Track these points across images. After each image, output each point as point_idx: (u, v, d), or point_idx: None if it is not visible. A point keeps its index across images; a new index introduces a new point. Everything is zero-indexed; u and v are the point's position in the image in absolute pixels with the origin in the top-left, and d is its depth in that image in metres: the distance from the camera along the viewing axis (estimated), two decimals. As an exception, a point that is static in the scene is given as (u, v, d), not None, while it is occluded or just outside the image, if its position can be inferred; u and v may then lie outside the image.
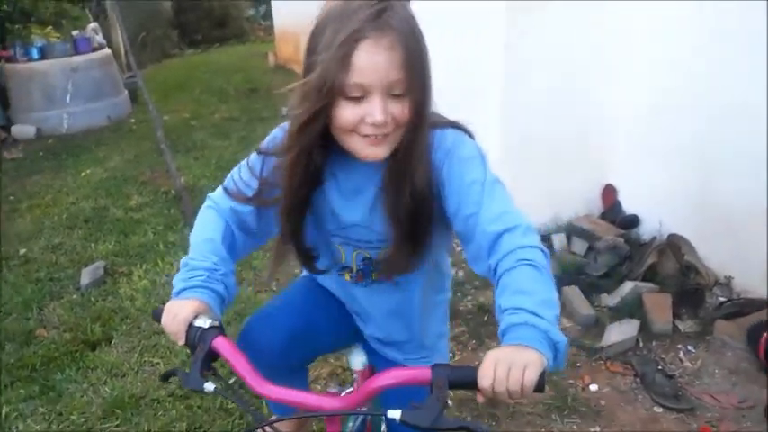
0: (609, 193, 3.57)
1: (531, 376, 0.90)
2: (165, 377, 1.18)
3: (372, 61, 1.01)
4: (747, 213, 2.79)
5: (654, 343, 2.69)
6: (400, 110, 1.05)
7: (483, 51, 3.40)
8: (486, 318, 2.87)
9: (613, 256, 3.16)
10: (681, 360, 2.60)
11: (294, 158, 1.14)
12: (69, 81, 6.50)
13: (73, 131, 6.40)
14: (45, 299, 3.25)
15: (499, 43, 3.25)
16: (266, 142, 1.27)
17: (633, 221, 3.42)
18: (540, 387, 0.92)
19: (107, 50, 7.14)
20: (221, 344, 1.10)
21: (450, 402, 2.29)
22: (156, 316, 1.19)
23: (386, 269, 1.28)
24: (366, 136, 1.07)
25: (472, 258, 1.14)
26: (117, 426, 2.32)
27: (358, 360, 1.55)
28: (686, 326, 2.76)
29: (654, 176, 3.27)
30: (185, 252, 1.24)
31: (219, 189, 1.31)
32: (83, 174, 5.16)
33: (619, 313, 2.84)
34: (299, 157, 1.13)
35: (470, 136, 1.20)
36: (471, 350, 2.69)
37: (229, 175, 1.31)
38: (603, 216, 3.54)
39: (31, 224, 4.24)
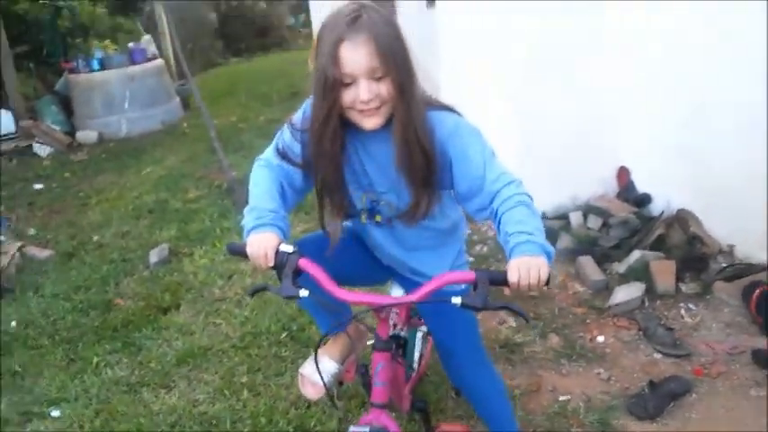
0: (623, 174, 3.86)
1: (545, 272, 1.32)
2: (254, 291, 1.49)
3: (353, 55, 1.37)
4: (747, 186, 3.06)
5: (658, 302, 2.99)
6: (384, 88, 1.40)
7: (505, 48, 3.75)
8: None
9: (625, 230, 3.46)
10: (682, 316, 2.90)
11: (325, 139, 1.49)
12: (127, 89, 7.06)
13: (131, 135, 6.96)
14: (119, 275, 3.72)
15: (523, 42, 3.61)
16: (298, 118, 1.61)
17: (645, 200, 3.71)
18: (548, 282, 1.33)
19: (160, 60, 7.70)
20: (306, 263, 1.44)
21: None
22: (234, 250, 1.49)
23: (399, 216, 1.63)
24: (361, 111, 1.43)
25: (475, 210, 1.53)
26: (189, 371, 2.74)
27: (398, 292, 1.95)
28: (689, 288, 3.05)
29: (662, 159, 3.56)
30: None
31: (269, 150, 1.66)
32: (143, 172, 5.68)
33: (627, 278, 3.14)
34: (326, 137, 1.49)
35: (460, 116, 1.58)
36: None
37: (277, 138, 1.65)
38: (618, 195, 3.83)
39: (101, 215, 4.75)
